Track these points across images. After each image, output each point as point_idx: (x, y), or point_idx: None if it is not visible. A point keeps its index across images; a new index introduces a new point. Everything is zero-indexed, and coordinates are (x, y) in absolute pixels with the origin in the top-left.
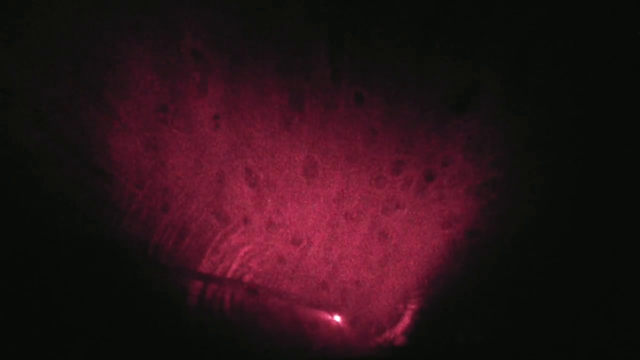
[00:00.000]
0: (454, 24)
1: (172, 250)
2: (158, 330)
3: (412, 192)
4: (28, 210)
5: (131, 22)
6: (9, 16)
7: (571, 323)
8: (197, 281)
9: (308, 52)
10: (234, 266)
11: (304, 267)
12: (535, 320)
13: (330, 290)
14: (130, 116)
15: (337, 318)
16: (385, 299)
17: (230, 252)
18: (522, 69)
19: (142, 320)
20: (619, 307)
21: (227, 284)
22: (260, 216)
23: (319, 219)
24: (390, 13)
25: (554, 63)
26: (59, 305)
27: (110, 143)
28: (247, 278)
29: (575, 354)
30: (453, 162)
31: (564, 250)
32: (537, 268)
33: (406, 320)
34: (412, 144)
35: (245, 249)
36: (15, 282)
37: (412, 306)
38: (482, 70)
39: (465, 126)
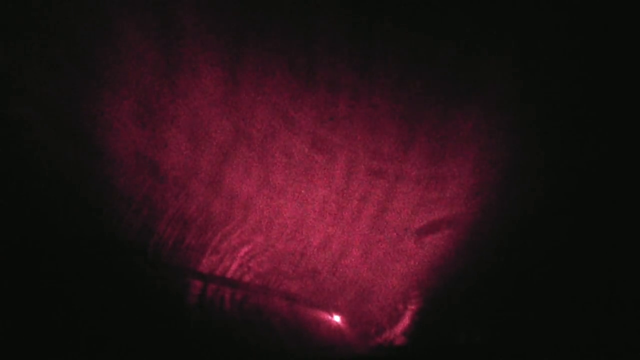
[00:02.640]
0: (459, 20)
1: (172, 250)
2: (158, 330)
3: (412, 192)
4: (27, 209)
5: (132, 22)
6: (9, 15)
7: (571, 323)
8: (197, 281)
9: (309, 52)
10: (234, 266)
11: (303, 267)
12: (535, 321)
13: (330, 290)
14: (130, 116)
15: (337, 318)
16: (385, 299)
17: (230, 252)
18: (522, 70)
19: (142, 320)
20: (620, 306)
21: (227, 284)
22: (260, 216)
23: (318, 218)
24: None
25: (555, 63)
26: (58, 305)
27: (110, 143)
28: (247, 278)
29: (575, 354)
30: (454, 162)
31: (565, 250)
32: (537, 268)
33: (406, 320)
34: (413, 144)
35: (245, 249)
36: (14, 281)
37: (412, 306)
38: (483, 70)
39: (465, 126)
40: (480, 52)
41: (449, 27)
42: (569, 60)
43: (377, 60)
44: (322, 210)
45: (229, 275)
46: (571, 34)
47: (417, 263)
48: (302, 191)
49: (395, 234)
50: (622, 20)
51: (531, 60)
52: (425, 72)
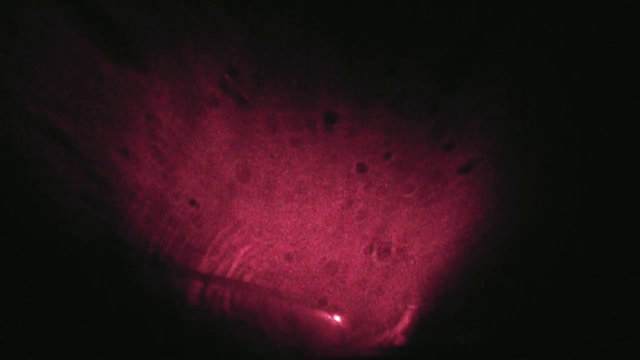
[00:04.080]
0: (459, 21)
1: (172, 250)
2: (158, 330)
3: (412, 191)
4: (27, 210)
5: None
6: (9, 14)
7: (572, 323)
8: (197, 281)
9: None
10: (234, 266)
11: (304, 267)
12: (535, 321)
13: (330, 290)
14: (130, 116)
15: (337, 318)
16: (386, 299)
17: (230, 252)
18: (524, 70)
19: (142, 320)
20: (621, 308)
21: (227, 284)
22: (260, 216)
23: (320, 217)
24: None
25: (553, 63)
26: (59, 306)
27: (111, 143)
28: (247, 278)
29: (575, 354)
30: (454, 162)
31: (565, 250)
32: (537, 268)
33: (406, 320)
34: (413, 145)
35: (245, 248)
36: (14, 282)
37: (412, 306)
38: (484, 70)
39: (465, 126)
40: (480, 53)
41: (449, 28)
42: (570, 60)
43: (377, 65)
44: (323, 210)
45: (229, 275)
46: (572, 34)
47: (417, 263)
48: (304, 190)
49: (395, 234)
50: (622, 20)
51: (532, 60)
52: (425, 72)
